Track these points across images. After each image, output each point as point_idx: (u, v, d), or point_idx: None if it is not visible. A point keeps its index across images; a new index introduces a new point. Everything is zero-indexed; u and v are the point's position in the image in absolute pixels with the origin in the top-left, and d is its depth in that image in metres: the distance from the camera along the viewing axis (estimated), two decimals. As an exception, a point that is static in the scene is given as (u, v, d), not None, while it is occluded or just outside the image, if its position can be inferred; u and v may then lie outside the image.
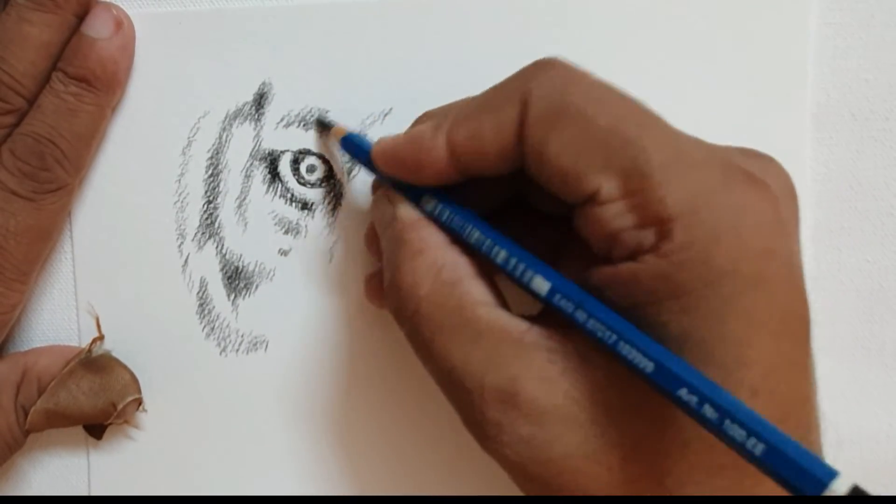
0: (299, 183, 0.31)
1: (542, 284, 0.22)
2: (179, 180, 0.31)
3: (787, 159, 0.31)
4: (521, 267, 0.23)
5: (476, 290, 0.24)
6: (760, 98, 0.31)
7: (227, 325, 0.31)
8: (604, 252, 0.22)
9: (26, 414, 0.30)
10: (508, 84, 0.24)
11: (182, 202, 0.31)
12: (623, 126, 0.22)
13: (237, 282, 0.31)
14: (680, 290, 0.21)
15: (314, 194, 0.31)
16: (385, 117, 0.31)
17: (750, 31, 0.31)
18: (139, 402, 0.31)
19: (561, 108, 0.22)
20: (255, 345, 0.31)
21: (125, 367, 0.31)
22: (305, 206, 0.31)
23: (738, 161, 0.22)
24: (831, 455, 0.32)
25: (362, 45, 0.30)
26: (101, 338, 0.31)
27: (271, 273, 0.31)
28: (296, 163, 0.31)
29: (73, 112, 0.28)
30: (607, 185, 0.21)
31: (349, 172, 0.31)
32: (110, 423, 0.31)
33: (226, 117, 0.31)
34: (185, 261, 0.31)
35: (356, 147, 0.28)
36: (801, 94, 0.31)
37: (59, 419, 0.30)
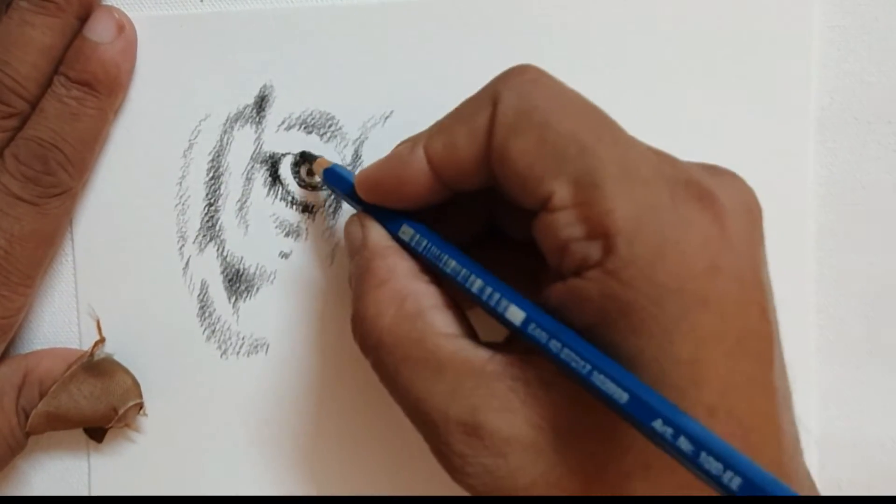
0: (300, 186, 0.31)
1: (516, 314, 0.22)
2: (180, 183, 0.31)
3: (790, 162, 0.31)
4: (496, 297, 0.23)
5: (440, 321, 0.24)
6: (764, 101, 0.31)
7: (228, 328, 0.31)
8: (556, 265, 0.22)
9: (27, 416, 0.30)
10: (482, 92, 0.24)
11: (183, 205, 0.31)
12: (581, 134, 0.22)
13: (238, 284, 0.31)
14: (628, 309, 0.21)
15: (315, 197, 0.31)
16: (386, 120, 0.31)
17: (753, 34, 0.31)
18: (140, 406, 0.31)
19: (525, 112, 0.22)
20: (255, 347, 0.31)
21: (127, 371, 0.31)
22: (306, 208, 0.31)
23: (695, 177, 0.22)
24: (834, 460, 0.32)
25: (363, 48, 0.30)
26: (101, 341, 0.31)
27: (272, 276, 0.31)
28: (297, 165, 0.31)
29: (75, 116, 0.28)
30: (560, 192, 0.22)
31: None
32: (111, 427, 0.31)
33: (227, 120, 0.31)
34: (186, 263, 0.31)
35: (338, 179, 0.28)
36: (805, 97, 0.31)
37: (59, 422, 0.30)
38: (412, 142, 0.25)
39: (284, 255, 0.31)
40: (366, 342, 0.24)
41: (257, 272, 0.31)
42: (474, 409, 0.22)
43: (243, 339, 0.31)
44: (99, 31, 0.29)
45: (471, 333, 0.24)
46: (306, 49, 0.30)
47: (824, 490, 0.27)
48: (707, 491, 0.19)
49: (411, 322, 0.24)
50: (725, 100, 0.31)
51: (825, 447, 0.32)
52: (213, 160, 0.31)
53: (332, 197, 0.31)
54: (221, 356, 0.31)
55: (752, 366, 0.21)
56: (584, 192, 0.21)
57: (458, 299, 0.25)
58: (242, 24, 0.30)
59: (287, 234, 0.31)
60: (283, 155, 0.31)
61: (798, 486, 0.22)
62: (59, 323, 0.32)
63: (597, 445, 0.22)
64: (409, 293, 0.24)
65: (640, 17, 0.30)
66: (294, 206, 0.31)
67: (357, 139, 0.31)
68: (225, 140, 0.31)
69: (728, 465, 0.18)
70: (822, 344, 0.32)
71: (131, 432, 0.32)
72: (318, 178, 0.31)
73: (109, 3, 0.30)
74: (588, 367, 0.21)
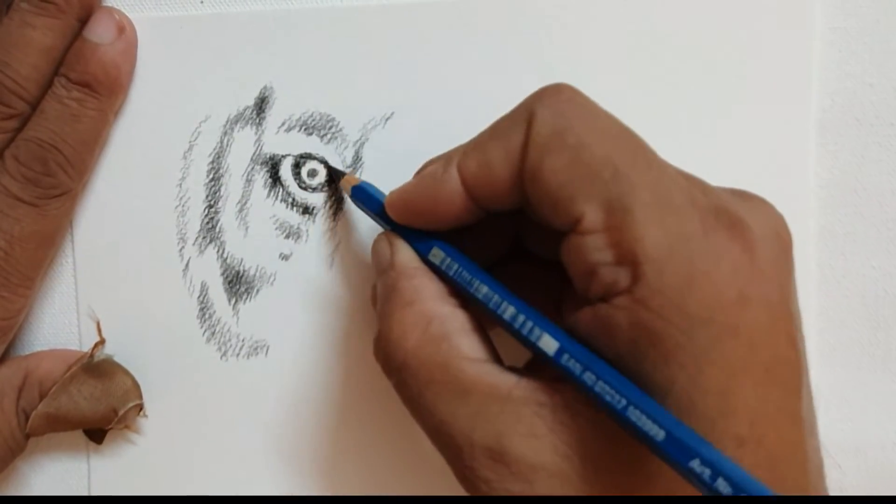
0: (300, 187, 0.31)
1: (549, 344, 0.22)
2: (180, 184, 0.31)
3: (791, 164, 0.31)
4: (529, 325, 0.23)
5: (466, 345, 0.24)
6: (765, 103, 0.31)
7: (228, 330, 0.31)
8: (583, 289, 0.22)
9: (27, 418, 0.30)
10: (516, 110, 0.24)
11: (183, 206, 0.31)
12: (615, 157, 0.22)
13: (238, 286, 0.31)
14: (657, 338, 0.21)
15: (315, 199, 0.31)
16: (386, 121, 0.31)
17: (754, 36, 0.30)
18: (140, 407, 0.31)
19: (560, 132, 0.22)
20: (255, 349, 0.31)
21: (127, 373, 0.31)
22: (306, 210, 0.31)
23: (725, 204, 0.22)
24: (835, 462, 0.32)
25: (364, 49, 0.30)
26: (101, 342, 0.31)
27: (272, 277, 0.31)
28: (297, 167, 0.31)
29: (75, 117, 0.28)
30: (591, 215, 0.21)
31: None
32: (111, 428, 0.31)
33: (227, 121, 0.31)
34: (186, 265, 0.31)
35: (367, 197, 0.28)
36: (806, 99, 0.31)
37: (59, 423, 0.30)
38: (445, 160, 0.24)
39: (284, 257, 0.31)
40: (389, 363, 0.24)
41: (257, 274, 0.31)
42: (499, 435, 0.22)
43: (243, 340, 0.31)
44: (99, 32, 0.29)
45: (496, 358, 0.24)
46: (306, 50, 0.30)
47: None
48: None
49: (436, 345, 0.23)
50: (726, 101, 0.31)
51: (826, 450, 0.32)
52: (213, 162, 0.31)
53: (333, 199, 0.31)
54: (221, 358, 0.31)
55: (780, 395, 0.21)
56: (615, 217, 0.21)
57: (482, 321, 0.25)
58: (242, 26, 0.30)
59: (287, 236, 0.31)
60: (284, 156, 0.31)
61: None
62: (59, 324, 0.32)
63: (623, 476, 0.21)
64: (434, 316, 0.24)
65: (640, 19, 0.30)
66: (294, 208, 0.31)
67: (357, 140, 0.31)
68: (225, 141, 0.31)
69: None
70: (823, 346, 0.32)
71: (131, 433, 0.32)
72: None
73: (110, 5, 0.30)
74: (623, 401, 0.20)
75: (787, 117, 0.31)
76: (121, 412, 0.30)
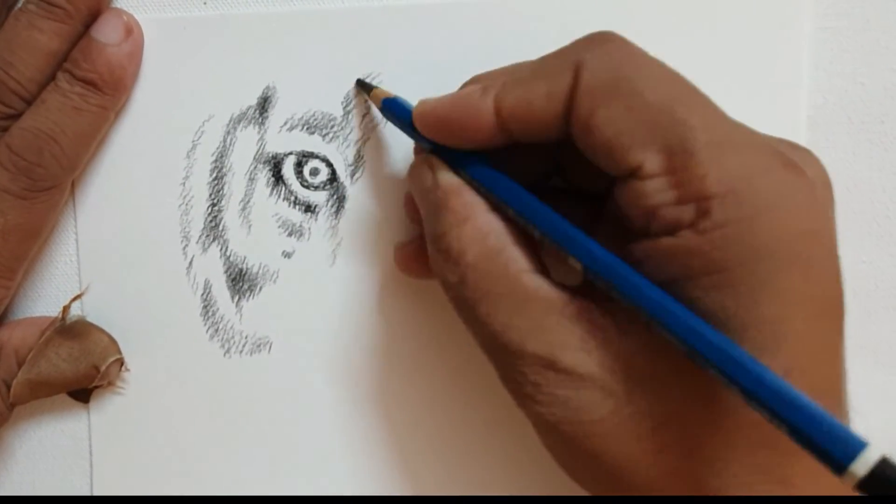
0: (303, 186, 0.31)
1: (587, 256, 0.23)
2: (184, 183, 0.31)
3: (784, 162, 0.32)
4: (567, 238, 0.23)
5: (521, 258, 0.24)
6: (756, 101, 0.31)
7: (231, 327, 0.32)
8: (641, 227, 0.23)
9: (8, 388, 0.30)
10: (562, 53, 0.24)
11: (186, 205, 0.31)
12: (673, 104, 0.22)
13: (241, 284, 0.31)
14: (714, 266, 0.21)
15: (318, 197, 0.31)
16: (387, 121, 0.31)
17: (747, 35, 0.31)
18: (121, 362, 0.31)
19: (613, 81, 0.23)
20: (258, 346, 0.32)
21: (102, 330, 0.31)
22: (309, 208, 0.31)
23: (779, 146, 0.23)
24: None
25: (364, 50, 0.31)
26: (79, 296, 0.31)
27: (275, 275, 0.32)
28: (299, 166, 0.31)
29: (77, 110, 0.28)
30: (651, 161, 0.22)
31: (353, 175, 0.31)
32: (95, 387, 0.31)
33: (230, 121, 0.31)
34: (190, 263, 0.31)
35: (398, 110, 0.28)
36: (798, 97, 0.31)
37: (42, 388, 0.30)
38: (482, 87, 0.25)
39: (287, 255, 0.31)
40: (448, 278, 0.25)
41: (260, 272, 0.31)
42: (552, 346, 0.23)
43: (246, 338, 0.32)
44: (107, 32, 0.29)
45: (545, 271, 0.25)
46: (308, 51, 0.31)
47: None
48: (782, 450, 0.20)
49: (494, 257, 0.24)
50: (718, 99, 0.31)
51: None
52: (216, 161, 0.31)
53: (335, 197, 0.31)
54: (224, 355, 0.32)
55: (827, 331, 0.22)
56: (677, 160, 0.22)
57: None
58: (245, 27, 0.30)
59: (290, 234, 0.31)
60: (286, 155, 0.31)
61: None
62: (63, 323, 0.32)
63: (667, 394, 0.22)
64: (490, 229, 0.24)
65: (634, 19, 0.31)
66: (296, 206, 0.31)
67: (359, 139, 0.31)
68: (228, 141, 0.31)
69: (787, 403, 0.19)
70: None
71: (131, 435, 0.32)
72: (322, 177, 0.31)
73: (116, 6, 0.30)
74: (659, 308, 0.21)
75: (778, 115, 0.31)
76: (102, 368, 0.30)
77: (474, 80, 0.27)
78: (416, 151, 0.29)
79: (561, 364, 0.23)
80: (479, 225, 0.24)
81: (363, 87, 0.30)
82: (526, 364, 0.23)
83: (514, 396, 0.24)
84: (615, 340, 0.23)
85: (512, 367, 0.24)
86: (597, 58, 0.23)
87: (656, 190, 0.22)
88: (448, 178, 0.25)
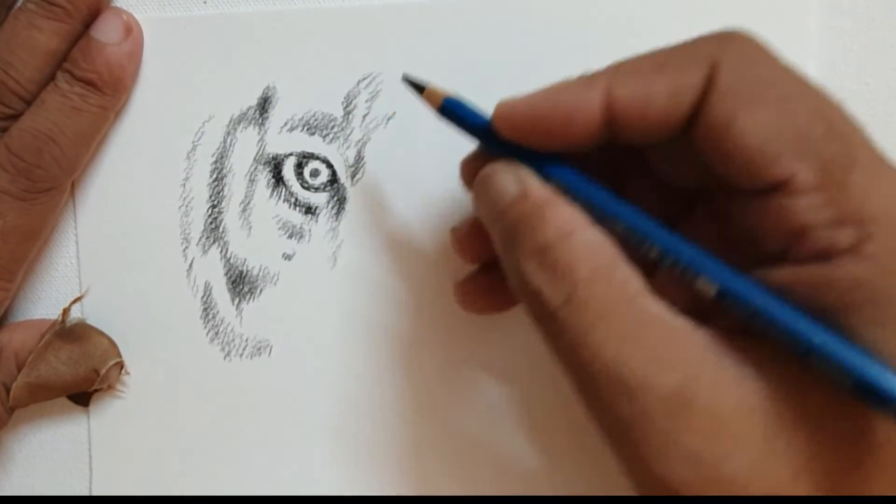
0: (303, 187, 0.31)
1: (713, 281, 0.20)
2: (184, 185, 0.31)
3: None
4: (687, 259, 0.20)
5: (634, 278, 0.21)
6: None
7: (232, 330, 0.31)
8: (777, 249, 0.21)
9: (8, 391, 0.29)
10: (692, 48, 0.22)
11: (186, 206, 0.31)
12: (828, 113, 0.20)
13: (241, 286, 0.31)
14: (879, 298, 0.19)
15: (318, 198, 0.31)
16: (388, 121, 0.31)
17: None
18: (121, 365, 0.31)
19: (759, 84, 0.20)
20: (258, 349, 0.32)
21: (102, 333, 0.31)
22: (309, 210, 0.31)
23: None
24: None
25: (365, 50, 0.31)
26: (78, 299, 0.31)
27: (275, 277, 0.31)
28: (299, 167, 0.31)
29: (77, 111, 0.28)
30: (804, 174, 0.20)
31: (353, 176, 0.31)
32: (95, 390, 0.31)
33: (230, 122, 0.31)
34: (190, 265, 0.31)
35: (462, 111, 0.25)
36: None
37: (42, 392, 0.30)
38: (585, 80, 0.22)
39: (287, 257, 0.31)
40: (550, 300, 0.21)
41: (260, 274, 0.31)
42: (683, 381, 0.19)
43: (246, 340, 0.31)
44: (107, 32, 0.29)
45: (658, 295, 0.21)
46: (308, 50, 0.31)
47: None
48: None
49: (608, 277, 0.21)
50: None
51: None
52: (216, 162, 0.31)
53: (335, 198, 0.31)
54: (225, 358, 0.31)
55: None
56: (835, 176, 0.19)
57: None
58: (245, 27, 0.30)
59: (290, 236, 0.31)
60: (286, 156, 0.31)
61: None
62: (62, 325, 0.32)
63: (809, 434, 0.19)
64: (599, 245, 0.21)
65: (638, 19, 0.31)
66: (297, 208, 0.31)
67: (360, 140, 0.31)
68: (228, 142, 0.31)
69: None
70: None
71: (132, 435, 0.32)
72: (323, 178, 0.30)
73: (116, 5, 0.30)
74: (817, 340, 0.19)
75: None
76: (102, 372, 0.30)
77: (574, 77, 0.23)
78: (474, 158, 0.26)
79: (696, 404, 0.19)
80: (586, 239, 0.21)
81: (412, 85, 0.27)
82: (650, 404, 0.19)
83: (631, 448, 0.20)
84: (751, 377, 0.20)
85: (632, 408, 0.20)
86: (735, 57, 0.21)
87: (809, 207, 0.20)
88: (540, 188, 0.22)
